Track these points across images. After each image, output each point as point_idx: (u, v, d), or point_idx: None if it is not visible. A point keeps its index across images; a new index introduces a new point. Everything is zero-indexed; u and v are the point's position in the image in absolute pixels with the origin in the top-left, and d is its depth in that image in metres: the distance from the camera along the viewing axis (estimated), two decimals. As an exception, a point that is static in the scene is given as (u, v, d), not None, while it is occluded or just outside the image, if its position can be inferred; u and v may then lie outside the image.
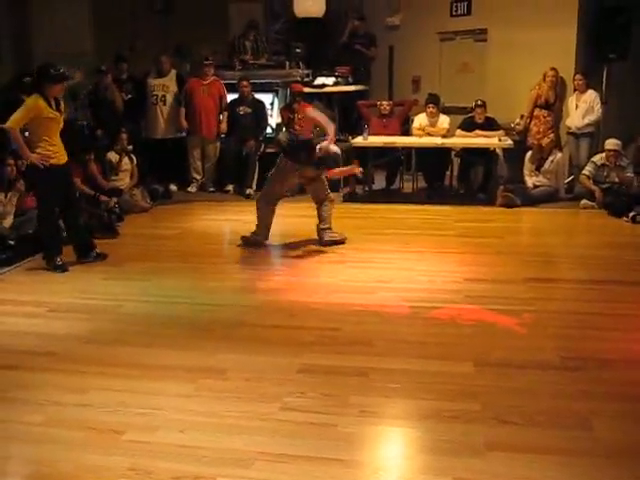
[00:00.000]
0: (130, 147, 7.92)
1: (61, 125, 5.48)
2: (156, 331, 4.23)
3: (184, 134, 8.87)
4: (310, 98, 9.05)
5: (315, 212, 6.17)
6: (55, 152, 5.40)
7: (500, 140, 7.98)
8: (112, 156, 7.67)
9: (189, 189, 8.89)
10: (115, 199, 7.22)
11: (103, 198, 7.03)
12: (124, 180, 7.72)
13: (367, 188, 8.45)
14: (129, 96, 8.72)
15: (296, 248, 6.09)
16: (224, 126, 8.77)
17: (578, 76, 8.21)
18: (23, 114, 5.24)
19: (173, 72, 8.86)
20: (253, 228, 6.14)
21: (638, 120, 8.26)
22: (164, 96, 8.71)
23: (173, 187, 8.81)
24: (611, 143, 7.59)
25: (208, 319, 4.43)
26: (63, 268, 5.50)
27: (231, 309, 4.63)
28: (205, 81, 8.72)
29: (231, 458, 2.79)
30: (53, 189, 5.46)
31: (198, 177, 8.95)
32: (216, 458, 2.79)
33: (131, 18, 10.21)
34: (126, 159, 7.76)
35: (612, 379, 3.47)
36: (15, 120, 5.21)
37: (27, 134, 5.41)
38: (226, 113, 8.79)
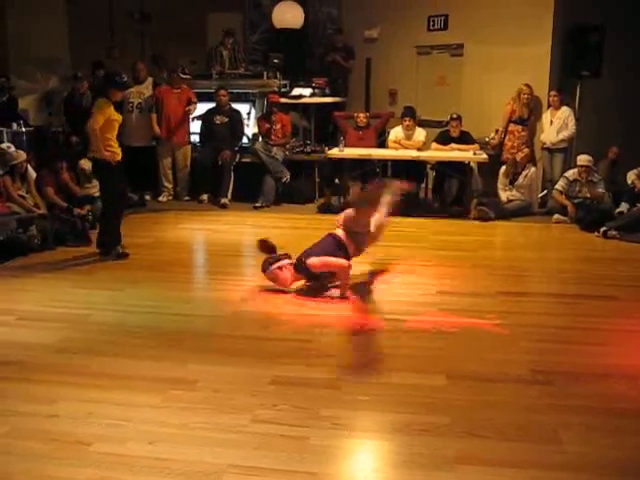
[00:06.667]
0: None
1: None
2: (126, 341, 4.17)
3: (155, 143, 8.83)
4: (286, 109, 9.08)
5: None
6: (117, 150, 5.97)
7: (475, 154, 8.05)
8: (85, 164, 7.57)
9: (160, 198, 8.80)
10: (88, 206, 7.15)
11: (77, 211, 6.94)
12: (97, 187, 7.62)
13: (342, 199, 8.46)
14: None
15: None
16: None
17: (553, 92, 8.33)
18: (101, 116, 5.75)
19: (150, 80, 8.82)
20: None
21: (611, 137, 8.39)
22: (140, 103, 8.66)
23: (147, 196, 8.75)
24: (583, 159, 7.70)
25: (179, 329, 4.38)
26: (126, 255, 5.96)
27: (203, 319, 4.59)
28: (176, 89, 8.67)
29: (201, 471, 2.74)
30: (119, 183, 6.06)
31: (169, 186, 8.87)
32: (186, 470, 2.74)
33: (108, 25, 10.17)
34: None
35: (582, 393, 3.49)
36: (97, 121, 5.73)
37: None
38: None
